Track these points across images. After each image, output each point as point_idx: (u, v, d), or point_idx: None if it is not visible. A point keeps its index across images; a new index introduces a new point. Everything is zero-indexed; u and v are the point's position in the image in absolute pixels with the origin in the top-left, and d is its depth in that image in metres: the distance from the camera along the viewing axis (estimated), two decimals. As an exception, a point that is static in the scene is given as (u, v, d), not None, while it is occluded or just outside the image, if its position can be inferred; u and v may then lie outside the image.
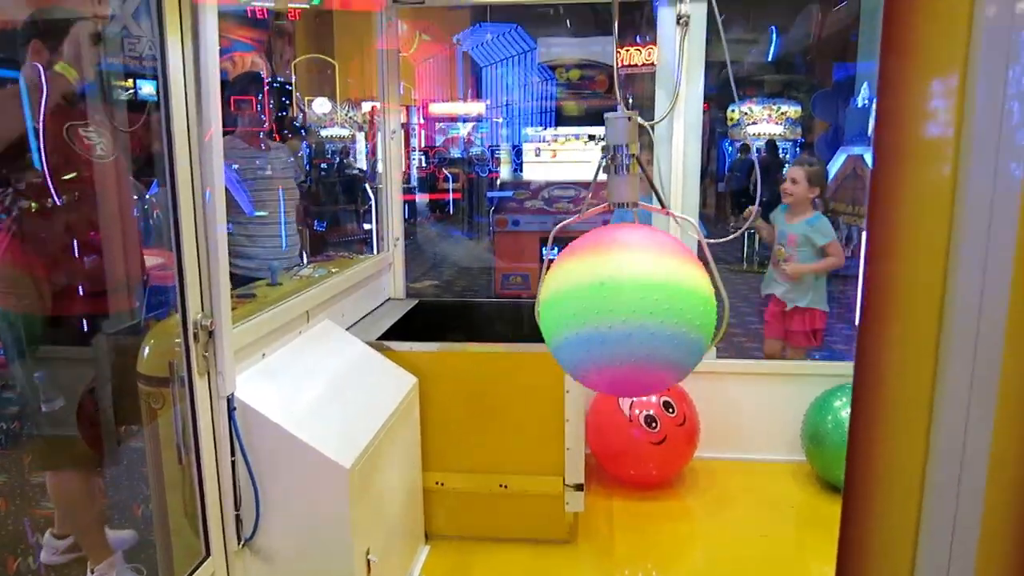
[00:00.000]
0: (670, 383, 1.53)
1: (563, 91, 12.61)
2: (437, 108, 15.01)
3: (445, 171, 13.15)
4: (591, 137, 8.66)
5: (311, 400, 2.26)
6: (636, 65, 10.79)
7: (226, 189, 1.98)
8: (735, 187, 11.92)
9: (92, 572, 2.49)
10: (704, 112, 3.60)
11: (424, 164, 14.22)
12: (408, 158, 13.31)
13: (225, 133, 2.08)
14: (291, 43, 12.59)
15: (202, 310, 1.91)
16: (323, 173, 10.59)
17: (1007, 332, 0.82)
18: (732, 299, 1.55)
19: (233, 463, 2.01)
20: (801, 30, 12.76)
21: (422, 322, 3.38)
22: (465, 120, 14.91)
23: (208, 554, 1.98)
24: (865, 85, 9.45)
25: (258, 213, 3.69)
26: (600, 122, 1.66)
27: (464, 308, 3.86)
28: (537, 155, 8.77)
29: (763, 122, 11.73)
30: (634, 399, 3.16)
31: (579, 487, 2.78)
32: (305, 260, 4.09)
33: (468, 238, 11.55)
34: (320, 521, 2.06)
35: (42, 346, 2.39)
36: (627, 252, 1.47)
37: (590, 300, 1.41)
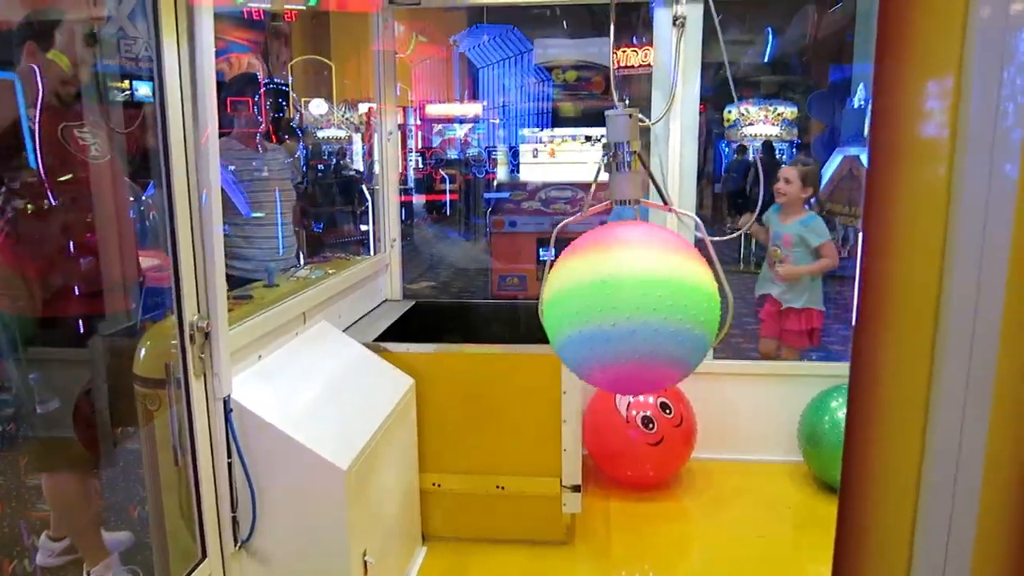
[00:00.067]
0: (675, 380, 1.53)
1: (560, 92, 12.62)
2: (434, 109, 15.00)
3: (442, 172, 13.15)
4: (588, 138, 8.67)
5: (308, 402, 2.26)
6: (632, 66, 10.81)
7: (222, 190, 1.98)
8: (732, 188, 11.92)
9: (88, 574, 2.48)
10: (700, 113, 3.60)
11: (421, 165, 14.22)
12: (405, 159, 13.30)
13: (221, 134, 2.08)
14: (287, 44, 12.57)
15: (198, 312, 1.90)
16: (320, 174, 10.58)
17: (1002, 332, 0.83)
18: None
19: (230, 465, 2.01)
20: (797, 31, 12.78)
21: (419, 323, 3.38)
22: (462, 121, 14.91)
23: (204, 556, 1.98)
24: (861, 86, 9.47)
25: (255, 214, 3.69)
26: (596, 123, 1.67)
27: (461, 309, 3.86)
28: (534, 156, 8.78)
29: (759, 123, 11.74)
30: (631, 400, 3.16)
31: (576, 488, 2.78)
32: (302, 261, 4.09)
33: (465, 239, 11.55)
34: (317, 523, 2.05)
35: (38, 347, 2.38)
36: (629, 249, 1.47)
37: (593, 298, 1.41)
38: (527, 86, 12.86)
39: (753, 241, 8.94)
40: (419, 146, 14.99)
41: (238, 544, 2.06)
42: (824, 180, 8.73)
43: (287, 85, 11.77)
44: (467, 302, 5.35)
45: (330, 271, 3.01)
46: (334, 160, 11.20)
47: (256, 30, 11.51)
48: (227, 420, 1.98)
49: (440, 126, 15.05)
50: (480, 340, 2.90)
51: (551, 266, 1.57)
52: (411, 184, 13.16)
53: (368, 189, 9.25)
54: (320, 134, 11.85)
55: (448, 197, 12.76)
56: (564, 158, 8.53)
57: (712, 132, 12.74)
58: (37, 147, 2.17)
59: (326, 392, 2.37)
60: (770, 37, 12.88)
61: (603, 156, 1.62)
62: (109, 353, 2.37)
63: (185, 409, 1.92)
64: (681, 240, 1.56)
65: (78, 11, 2.32)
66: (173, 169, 1.80)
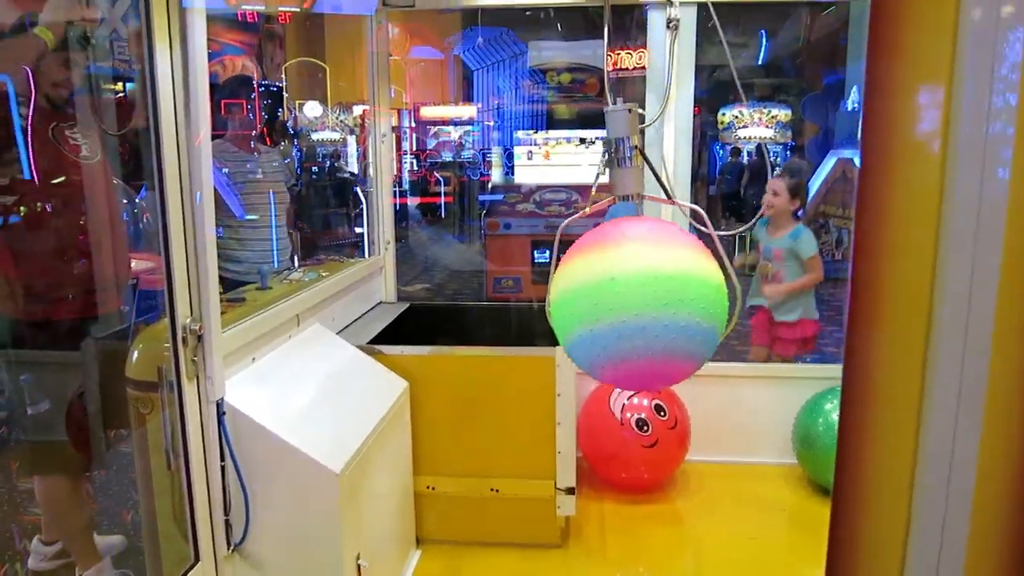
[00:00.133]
0: (688, 373, 1.53)
1: (554, 95, 12.63)
2: (428, 111, 15.01)
3: (436, 174, 13.16)
4: (582, 140, 8.67)
5: (301, 404, 2.25)
6: (627, 69, 10.84)
7: (216, 193, 1.98)
8: (726, 190, 11.96)
9: (80, 578, 2.47)
10: (695, 115, 3.61)
11: (415, 167, 14.23)
12: (399, 161, 13.30)
13: (215, 137, 2.07)
14: (282, 46, 12.56)
15: (191, 314, 1.90)
16: (314, 177, 10.58)
17: (995, 333, 0.83)
18: (725, 302, 1.55)
19: (223, 468, 2.00)
20: (791, 34, 12.83)
21: (413, 326, 3.37)
22: (456, 124, 14.92)
23: (197, 559, 1.97)
24: (855, 89, 9.51)
25: (248, 217, 3.68)
26: (591, 125, 1.67)
27: (455, 311, 3.86)
28: (529, 158, 8.78)
29: (753, 126, 11.78)
30: (625, 402, 3.16)
31: (570, 491, 2.77)
32: (296, 264, 4.08)
33: (459, 241, 11.55)
34: (310, 526, 2.05)
35: (29, 350, 2.37)
36: (635, 245, 1.47)
37: (602, 296, 1.41)
38: (522, 88, 12.87)
39: (749, 242, 8.96)
40: (414, 148, 15.01)
41: (231, 547, 2.05)
42: (818, 183, 8.78)
43: (282, 87, 11.77)
44: (462, 304, 5.35)
45: (324, 273, 3.00)
46: (328, 162, 11.20)
47: (250, 32, 11.50)
48: (220, 423, 1.97)
49: (435, 128, 15.06)
50: (474, 342, 2.89)
51: (556, 266, 1.57)
52: (406, 186, 13.16)
53: (362, 191, 9.24)
54: (314, 136, 11.85)
55: (443, 199, 12.77)
56: (559, 160, 8.52)
57: (707, 135, 12.77)
58: (29, 146, 2.16)
59: (320, 395, 2.36)
60: (764, 40, 12.93)
61: (603, 153, 1.62)
62: (102, 356, 2.36)
63: (178, 412, 1.91)
64: (685, 233, 1.56)
65: (71, 13, 2.31)
66: (166, 171, 1.79)
